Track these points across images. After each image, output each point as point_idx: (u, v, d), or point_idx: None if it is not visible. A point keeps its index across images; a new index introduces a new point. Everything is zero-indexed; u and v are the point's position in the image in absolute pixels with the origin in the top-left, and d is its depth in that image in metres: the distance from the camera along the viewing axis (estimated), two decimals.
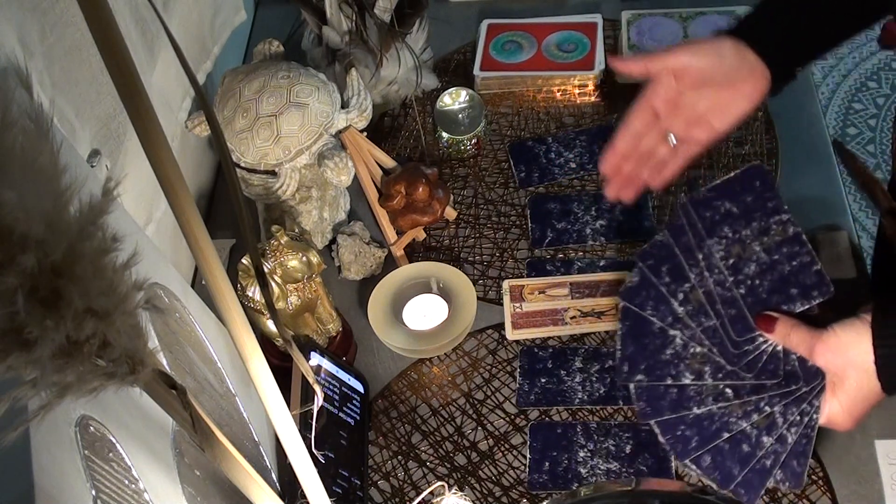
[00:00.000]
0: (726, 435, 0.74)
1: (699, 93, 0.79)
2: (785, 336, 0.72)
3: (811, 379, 0.71)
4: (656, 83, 0.79)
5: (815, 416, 0.72)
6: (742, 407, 0.73)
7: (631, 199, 0.84)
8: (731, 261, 0.75)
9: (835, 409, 0.71)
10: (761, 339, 0.73)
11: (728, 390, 0.74)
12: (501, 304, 0.97)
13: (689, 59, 0.78)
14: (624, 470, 0.84)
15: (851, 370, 0.69)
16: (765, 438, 0.72)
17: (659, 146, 0.83)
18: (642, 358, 0.78)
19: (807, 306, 0.73)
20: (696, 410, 0.75)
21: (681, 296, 0.77)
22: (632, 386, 0.78)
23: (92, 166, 0.79)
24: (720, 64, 0.77)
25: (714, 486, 0.74)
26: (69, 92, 0.77)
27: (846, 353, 0.68)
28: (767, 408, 0.73)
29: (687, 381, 0.75)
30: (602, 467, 0.85)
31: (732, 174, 0.79)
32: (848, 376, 0.69)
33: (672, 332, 0.77)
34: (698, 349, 0.76)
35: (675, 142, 0.82)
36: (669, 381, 0.76)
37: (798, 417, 0.72)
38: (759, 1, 0.80)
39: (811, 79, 1.16)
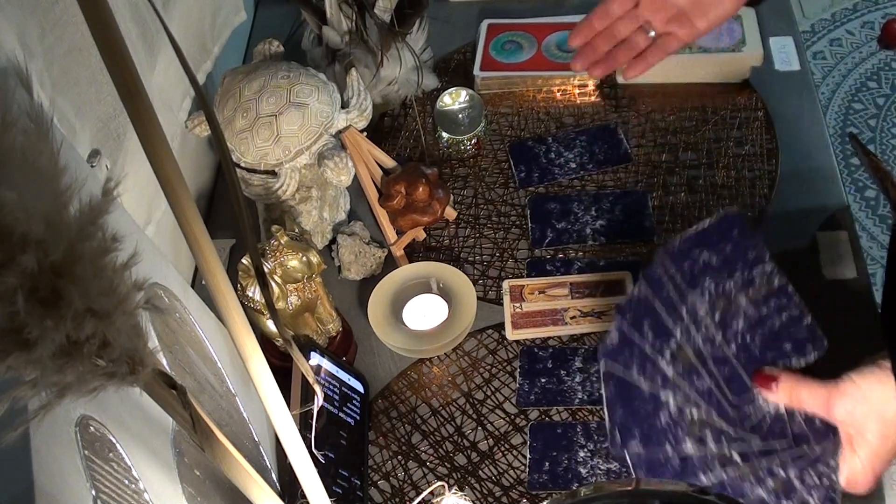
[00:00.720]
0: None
1: None
2: (790, 392, 0.67)
3: (821, 438, 0.66)
4: None
5: (834, 477, 0.66)
6: (753, 473, 0.68)
7: (599, 75, 0.83)
8: (716, 315, 0.70)
9: (856, 468, 0.66)
10: (762, 400, 0.69)
11: (735, 456, 0.68)
12: (501, 304, 0.97)
13: None
14: (624, 470, 0.84)
15: (873, 421, 0.64)
16: (785, 503, 0.68)
17: (637, 35, 0.82)
18: (635, 424, 0.72)
19: (803, 362, 0.69)
20: (704, 480, 0.69)
21: (668, 354, 0.71)
22: (628, 457, 0.72)
23: (92, 166, 0.79)
24: None
25: None
26: (69, 92, 0.77)
27: (868, 401, 0.63)
28: (781, 471, 0.67)
29: (690, 451, 0.70)
30: (602, 467, 0.85)
31: (707, 223, 0.75)
32: (868, 428, 0.64)
33: (663, 395, 0.71)
34: (696, 414, 0.70)
35: (653, 34, 0.81)
36: (670, 451, 0.70)
37: (817, 481, 0.66)
38: None
39: (811, 79, 1.16)
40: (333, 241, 1.04)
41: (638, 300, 0.73)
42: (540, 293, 0.97)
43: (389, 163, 1.03)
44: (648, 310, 0.72)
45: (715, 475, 0.68)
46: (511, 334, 0.95)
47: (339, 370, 0.88)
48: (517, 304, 0.97)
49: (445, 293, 0.95)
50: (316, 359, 0.86)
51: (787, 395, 0.67)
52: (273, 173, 0.94)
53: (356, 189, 1.06)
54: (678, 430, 0.70)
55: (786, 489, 0.67)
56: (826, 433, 0.66)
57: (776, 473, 0.67)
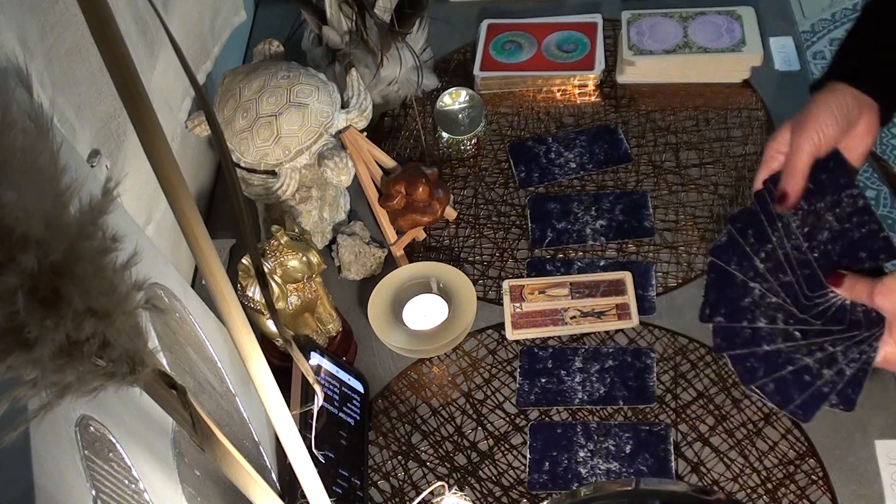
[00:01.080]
0: (791, 368, 0.81)
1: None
2: (850, 288, 0.77)
3: (872, 326, 0.78)
4: (800, 163, 0.82)
5: (872, 354, 0.78)
6: (808, 346, 0.81)
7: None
8: (805, 229, 0.83)
9: (891, 350, 0.77)
10: (831, 295, 0.80)
11: (797, 333, 0.81)
12: (501, 304, 0.97)
13: (818, 140, 0.81)
14: (624, 470, 0.84)
15: None
16: (825, 371, 0.79)
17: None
18: (723, 304, 0.86)
19: (874, 266, 0.80)
20: (766, 347, 0.82)
21: (762, 254, 0.85)
22: (711, 325, 0.86)
23: (92, 166, 0.79)
24: (837, 121, 0.81)
25: (775, 406, 0.82)
26: (69, 92, 0.77)
27: None
28: (830, 347, 0.80)
29: (761, 324, 0.83)
30: (602, 467, 0.85)
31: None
32: None
33: (752, 284, 0.85)
34: (774, 300, 0.83)
35: None
36: (745, 324, 0.84)
37: (857, 356, 0.79)
38: (840, 47, 0.85)
39: (811, 79, 1.16)
40: (333, 241, 1.04)
41: (748, 212, 0.87)
42: (540, 293, 0.97)
43: (389, 163, 1.03)
44: (754, 220, 0.86)
45: (775, 345, 0.82)
46: (511, 334, 0.95)
47: (339, 370, 0.88)
48: (517, 304, 0.97)
49: (445, 293, 0.95)
50: (316, 359, 0.86)
51: (848, 289, 0.78)
52: (273, 173, 0.94)
53: (356, 189, 1.06)
54: (756, 311, 0.84)
55: (829, 360, 0.80)
56: (878, 322, 0.78)
57: (825, 349, 0.80)
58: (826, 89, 0.82)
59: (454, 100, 1.12)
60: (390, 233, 1.02)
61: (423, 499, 0.78)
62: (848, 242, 0.81)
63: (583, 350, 0.93)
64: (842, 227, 0.82)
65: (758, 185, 0.87)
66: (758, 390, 0.82)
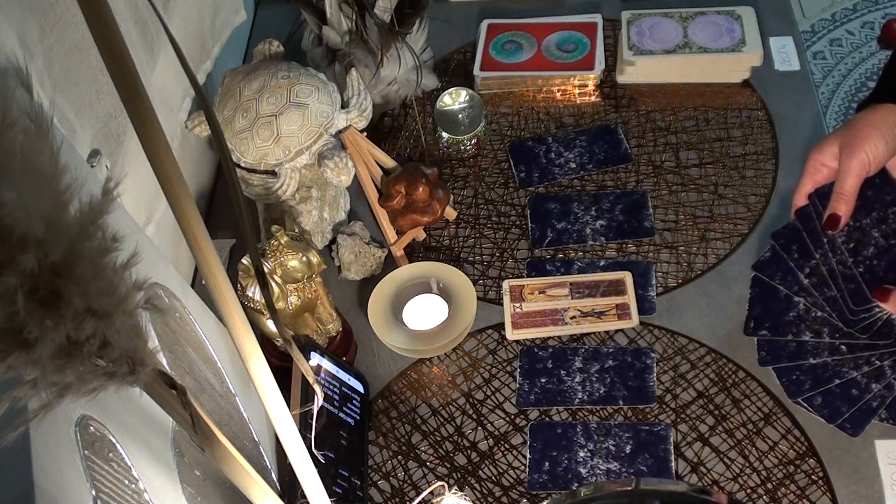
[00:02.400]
0: (838, 381, 0.81)
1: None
2: None
3: None
4: (848, 185, 0.82)
5: None
6: (854, 360, 0.81)
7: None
8: (851, 244, 0.83)
9: None
10: (877, 310, 0.81)
11: (843, 346, 0.82)
12: (501, 304, 0.97)
13: (867, 161, 0.81)
14: (624, 470, 0.84)
15: None
16: (873, 385, 0.80)
17: None
18: (767, 318, 0.87)
19: None
20: (811, 360, 0.83)
21: (807, 269, 0.86)
22: (755, 339, 0.87)
23: (92, 166, 0.79)
24: (885, 140, 0.81)
25: (823, 420, 0.82)
26: (69, 92, 0.77)
27: None
28: (878, 362, 0.80)
29: (807, 338, 0.84)
30: (602, 467, 0.85)
31: None
32: None
33: (797, 298, 0.86)
34: (819, 314, 0.84)
35: None
36: (790, 337, 0.85)
37: None
38: (885, 66, 0.87)
39: (811, 79, 1.16)
40: (333, 241, 1.04)
41: (791, 228, 0.88)
42: (540, 293, 0.97)
43: (389, 163, 1.03)
44: (798, 236, 0.87)
45: (821, 358, 0.82)
46: (511, 334, 0.95)
47: (339, 370, 0.88)
48: (517, 304, 0.97)
49: (445, 293, 0.95)
50: (316, 359, 0.86)
51: (895, 304, 0.78)
52: (273, 173, 0.94)
53: (356, 189, 1.06)
54: (801, 325, 0.84)
55: (877, 375, 0.80)
56: None
57: (872, 363, 0.80)
58: (873, 109, 0.82)
59: (454, 100, 1.12)
60: (390, 233, 1.02)
61: (423, 499, 0.78)
62: (893, 258, 0.81)
63: (583, 350, 0.93)
64: (888, 244, 0.82)
65: (801, 197, 0.86)
66: (805, 403, 0.82)
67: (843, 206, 0.82)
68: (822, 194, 0.85)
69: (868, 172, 0.82)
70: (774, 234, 0.90)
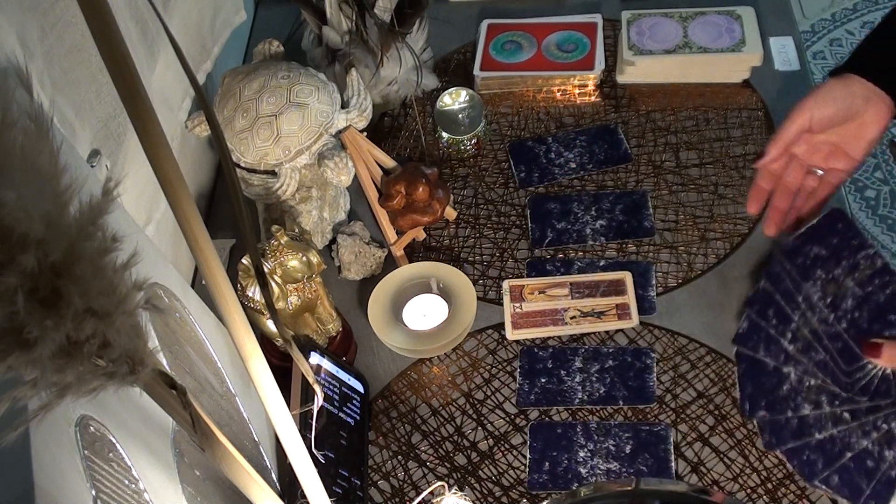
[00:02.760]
0: (850, 454, 0.78)
1: (827, 132, 0.85)
2: (891, 356, 0.76)
3: None
4: (785, 132, 0.85)
5: None
6: (860, 428, 0.78)
7: (791, 230, 0.89)
8: (828, 299, 0.81)
9: None
10: (871, 366, 0.78)
11: (846, 415, 0.79)
12: (501, 304, 0.97)
13: (809, 117, 0.84)
14: (624, 470, 0.84)
15: None
16: (887, 452, 0.76)
17: (806, 179, 0.89)
18: (761, 395, 0.84)
19: None
20: (817, 436, 0.80)
21: (789, 335, 0.83)
22: (755, 421, 0.84)
23: (92, 166, 0.79)
24: (836, 106, 0.83)
25: (846, 502, 0.78)
26: (69, 92, 0.77)
27: None
28: (885, 425, 0.77)
29: (806, 412, 0.80)
30: (602, 467, 0.85)
31: (815, 221, 0.87)
32: None
33: (786, 369, 0.83)
34: (813, 382, 0.81)
35: (821, 173, 0.88)
36: (790, 414, 0.81)
37: None
38: (863, 39, 0.88)
39: (811, 79, 1.16)
40: (333, 241, 1.04)
41: (763, 293, 0.86)
42: (540, 293, 0.97)
43: (389, 163, 1.03)
44: (771, 301, 0.85)
45: (827, 431, 0.79)
46: (511, 334, 0.95)
47: (339, 370, 0.88)
48: (517, 304, 0.97)
49: (445, 293, 0.95)
50: (316, 359, 0.86)
51: (889, 358, 0.76)
52: (273, 173, 0.94)
53: (356, 189, 1.06)
54: (798, 398, 0.81)
55: (888, 440, 0.76)
56: None
57: (880, 427, 0.76)
58: (836, 77, 0.84)
59: (454, 100, 1.12)
60: (390, 233, 1.02)
61: (423, 499, 0.78)
62: (875, 306, 0.79)
63: (583, 350, 0.93)
64: (864, 292, 0.80)
65: (773, 145, 0.86)
66: (823, 486, 0.79)
67: (772, 148, 0.85)
68: (787, 251, 0.86)
69: (809, 127, 0.84)
70: (748, 301, 0.89)
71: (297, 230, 0.88)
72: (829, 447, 0.79)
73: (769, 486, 0.82)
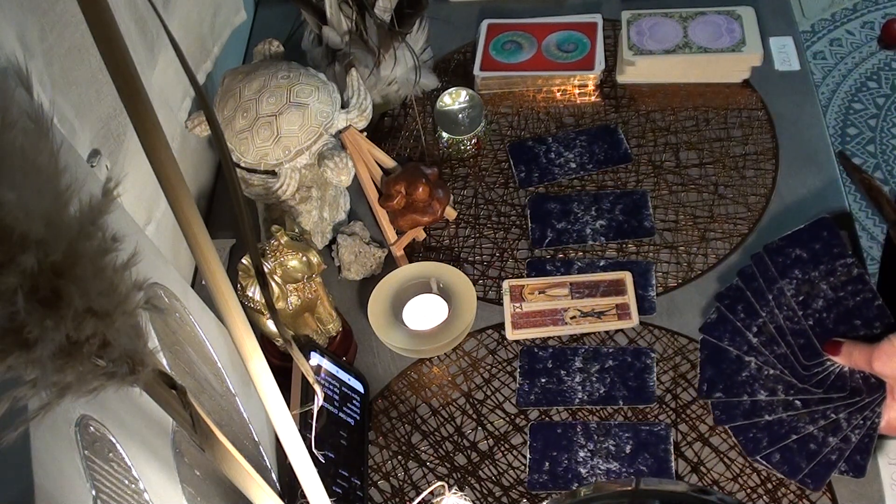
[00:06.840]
0: (795, 437, 0.82)
1: None
2: (848, 355, 0.80)
3: (873, 392, 0.80)
4: None
5: (877, 420, 0.80)
6: (810, 415, 0.82)
7: None
8: (800, 297, 0.86)
9: (895, 415, 0.79)
10: (829, 363, 0.82)
11: (797, 402, 0.83)
12: (501, 304, 0.97)
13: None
14: (624, 470, 0.84)
15: None
16: (830, 439, 0.81)
17: None
18: (720, 379, 0.87)
19: (869, 334, 0.83)
20: (767, 418, 0.84)
21: (755, 329, 0.88)
22: (710, 402, 0.87)
23: (92, 166, 0.79)
24: None
25: (783, 477, 0.82)
26: (69, 92, 0.77)
27: None
28: (833, 415, 0.81)
29: (761, 397, 0.85)
30: (602, 467, 0.85)
31: (803, 226, 0.91)
32: None
33: (747, 358, 0.87)
34: (771, 372, 0.85)
35: None
36: (745, 397, 0.85)
37: (861, 422, 0.80)
38: None
39: (811, 79, 1.16)
40: (333, 241, 1.04)
41: (735, 289, 0.91)
42: (540, 293, 0.97)
43: (389, 163, 1.03)
44: (742, 297, 0.90)
45: (777, 415, 0.83)
46: (511, 334, 0.95)
47: (339, 370, 0.88)
48: (517, 304, 0.97)
49: (445, 293, 0.95)
50: (316, 359, 0.86)
51: (846, 357, 0.80)
52: (273, 173, 0.94)
53: (356, 189, 1.06)
54: (755, 384, 0.85)
55: (833, 428, 0.80)
56: (878, 388, 0.80)
57: (828, 416, 0.81)
58: None
59: (454, 100, 1.12)
60: (390, 233, 1.02)
61: (423, 499, 0.78)
62: (843, 310, 0.84)
63: (583, 350, 0.93)
64: (836, 296, 0.85)
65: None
66: (763, 461, 0.82)
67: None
68: (771, 249, 0.90)
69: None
70: (718, 295, 0.92)
71: (297, 230, 0.88)
72: (776, 428, 0.83)
73: (769, 486, 0.82)
